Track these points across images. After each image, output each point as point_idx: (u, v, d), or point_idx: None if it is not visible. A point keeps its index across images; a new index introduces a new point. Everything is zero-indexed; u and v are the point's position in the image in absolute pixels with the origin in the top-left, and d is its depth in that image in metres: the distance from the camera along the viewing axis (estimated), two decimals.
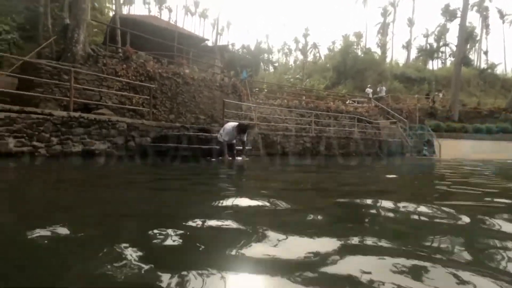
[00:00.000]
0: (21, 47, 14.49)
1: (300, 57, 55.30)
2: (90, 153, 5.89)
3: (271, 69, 45.11)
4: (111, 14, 22.29)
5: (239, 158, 6.27)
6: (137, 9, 45.76)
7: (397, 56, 61.10)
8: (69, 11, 11.40)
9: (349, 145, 12.59)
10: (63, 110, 6.36)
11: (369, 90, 20.42)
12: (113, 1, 22.97)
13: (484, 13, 43.25)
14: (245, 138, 6.28)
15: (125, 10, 38.99)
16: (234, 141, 6.36)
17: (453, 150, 14.60)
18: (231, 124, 6.11)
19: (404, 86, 31.04)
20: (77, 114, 5.84)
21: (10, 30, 14.72)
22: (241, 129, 6.03)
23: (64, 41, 8.23)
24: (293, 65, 52.67)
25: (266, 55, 40.62)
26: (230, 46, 21.91)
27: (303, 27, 68.53)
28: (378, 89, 22.06)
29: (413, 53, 44.47)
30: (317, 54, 56.54)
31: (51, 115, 5.49)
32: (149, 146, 6.56)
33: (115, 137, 6.37)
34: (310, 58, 53.92)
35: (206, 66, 15.32)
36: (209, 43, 20.46)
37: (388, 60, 41.33)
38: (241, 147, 6.45)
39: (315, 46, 57.32)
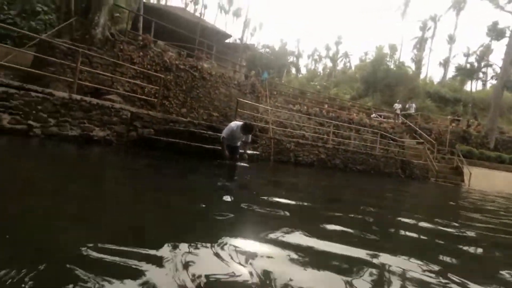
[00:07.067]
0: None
1: (330, 64, 54.13)
2: (87, 139, 5.65)
3: (298, 74, 44.28)
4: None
5: (243, 163, 5.69)
6: (173, 2, 46.22)
7: (433, 73, 58.26)
8: None
9: (368, 161, 11.75)
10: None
11: (397, 106, 19.25)
12: None
13: None
14: (249, 139, 5.72)
15: (162, 1, 39.50)
16: (238, 144, 5.83)
17: (483, 180, 13.27)
18: (236, 123, 5.50)
19: (436, 105, 29.23)
20: (78, 97, 5.61)
21: (49, 11, 15.20)
22: (246, 130, 5.32)
23: (84, 23, 8.15)
24: (321, 72, 51.50)
25: (293, 58, 39.82)
26: (254, 45, 21.49)
27: (336, 35, 67.18)
28: (407, 106, 20.81)
29: (451, 72, 41.99)
30: (348, 64, 55.14)
31: (51, 95, 5.27)
32: (150, 139, 6.23)
33: (116, 125, 6.10)
34: (340, 67, 52.62)
35: (230, 64, 15.00)
36: (237, 41, 20.13)
37: (422, 76, 39.20)
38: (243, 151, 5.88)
39: (346, 55, 56.02)
